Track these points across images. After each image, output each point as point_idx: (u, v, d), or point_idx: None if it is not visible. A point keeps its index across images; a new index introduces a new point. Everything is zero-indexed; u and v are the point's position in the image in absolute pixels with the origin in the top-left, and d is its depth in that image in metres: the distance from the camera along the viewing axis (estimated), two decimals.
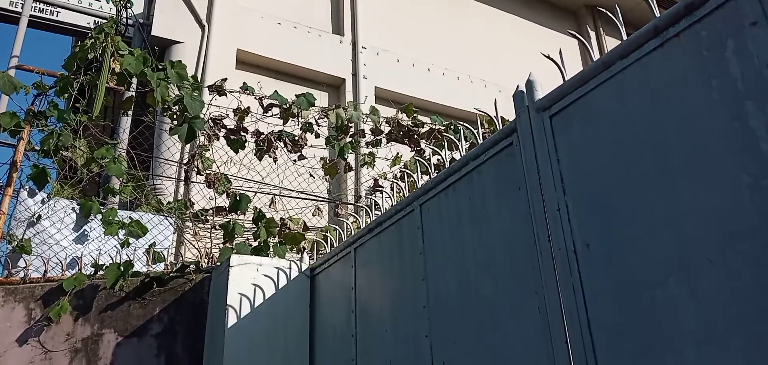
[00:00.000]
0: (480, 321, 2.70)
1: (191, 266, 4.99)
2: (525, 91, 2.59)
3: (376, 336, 3.62)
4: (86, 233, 5.40)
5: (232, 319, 4.23)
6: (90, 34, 5.79)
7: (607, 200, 2.11)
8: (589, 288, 2.14)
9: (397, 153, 6.99)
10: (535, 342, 2.34)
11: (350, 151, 6.54)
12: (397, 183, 3.96)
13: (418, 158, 3.96)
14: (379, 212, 3.89)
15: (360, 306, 3.88)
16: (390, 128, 6.92)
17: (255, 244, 5.56)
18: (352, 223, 4.65)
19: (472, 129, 3.19)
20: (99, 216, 5.36)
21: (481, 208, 2.81)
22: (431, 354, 3.00)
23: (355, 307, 3.91)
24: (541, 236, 2.38)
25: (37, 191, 5.26)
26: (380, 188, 6.40)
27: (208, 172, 6.01)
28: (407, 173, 4.18)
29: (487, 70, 10.94)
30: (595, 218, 2.15)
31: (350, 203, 7.64)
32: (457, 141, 3.28)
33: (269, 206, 6.48)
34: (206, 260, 5.66)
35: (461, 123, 3.68)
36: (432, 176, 3.28)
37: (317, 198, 7.19)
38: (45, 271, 4.82)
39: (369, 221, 3.97)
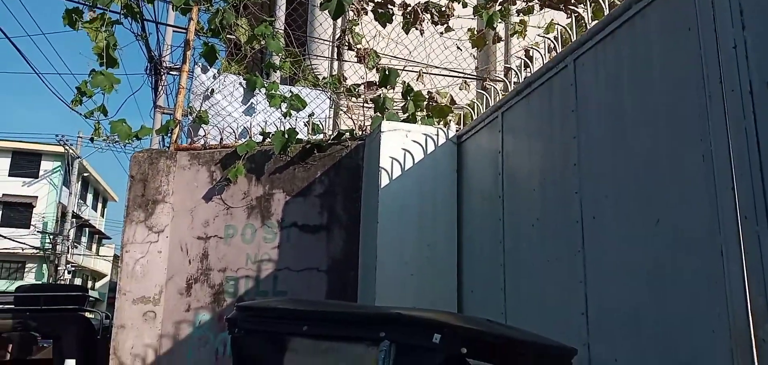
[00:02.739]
0: (635, 174, 2.61)
1: (347, 134, 5.31)
2: None
3: (523, 195, 3.66)
4: (253, 105, 5.93)
5: (384, 180, 4.49)
6: None
7: None
8: (764, 130, 1.96)
9: (551, 20, 6.63)
10: (697, 191, 2.23)
11: (500, 20, 6.32)
12: (548, 40, 3.80)
13: (574, 20, 3.74)
14: (528, 73, 3.79)
15: (507, 168, 3.91)
16: None
17: (403, 118, 5.73)
18: (499, 88, 4.60)
19: None
20: (263, 90, 5.83)
21: (643, 55, 2.63)
22: (581, 210, 2.98)
23: (502, 169, 3.95)
24: (712, 78, 2.19)
25: (208, 67, 5.84)
26: (531, 59, 6.17)
27: (358, 47, 6.20)
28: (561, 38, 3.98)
29: None
30: None
31: (499, 80, 7.50)
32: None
33: (417, 80, 6.58)
34: (360, 132, 5.98)
35: None
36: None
37: (464, 74, 7.15)
38: (221, 139, 5.42)
39: (517, 84, 3.90)
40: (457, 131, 4.80)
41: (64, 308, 5.78)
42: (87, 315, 5.96)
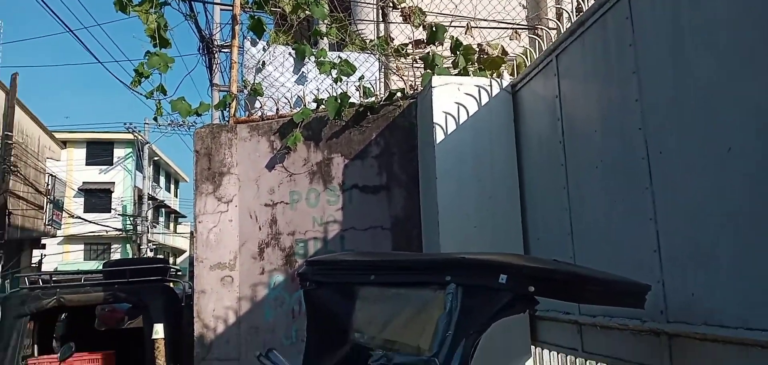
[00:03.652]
0: (701, 101, 2.54)
1: (398, 93, 5.36)
2: None
3: (584, 138, 3.61)
4: (304, 74, 6.05)
5: (439, 136, 4.52)
6: None
7: None
8: None
9: None
10: (765, 120, 2.15)
11: None
12: None
13: None
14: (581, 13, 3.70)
15: (566, 112, 3.86)
16: None
17: (455, 73, 5.70)
18: (553, 34, 4.50)
19: None
20: (312, 58, 5.94)
21: None
22: (646, 146, 2.93)
23: (561, 114, 3.90)
24: None
25: (257, 40, 5.99)
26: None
27: (402, 6, 6.19)
28: None
29: None
30: None
31: (551, 27, 7.29)
32: None
33: (465, 34, 6.51)
34: (411, 90, 6.00)
35: None
36: None
37: (514, 25, 7.00)
38: (277, 109, 5.59)
39: (570, 25, 3.82)
40: (510, 80, 4.75)
41: (149, 279, 6.19)
42: (170, 285, 6.36)
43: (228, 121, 5.56)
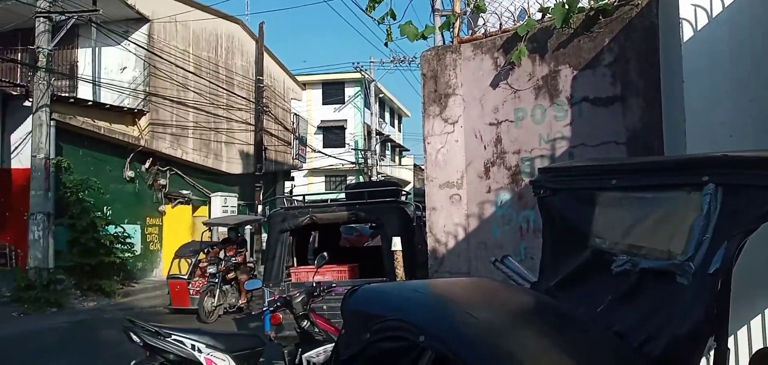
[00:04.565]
0: None
1: None
2: None
3: None
4: None
5: (687, 33, 3.97)
6: None
7: None
8: None
9: None
10: None
11: None
12: None
13: None
14: None
15: None
16: None
17: None
18: None
19: None
20: None
21: None
22: None
23: None
24: None
25: None
26: None
27: None
28: None
29: None
30: None
31: None
32: None
33: None
34: None
35: None
36: None
37: None
38: (500, 24, 5.44)
39: None
40: None
41: (384, 200, 6.72)
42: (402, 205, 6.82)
43: (452, 42, 5.61)
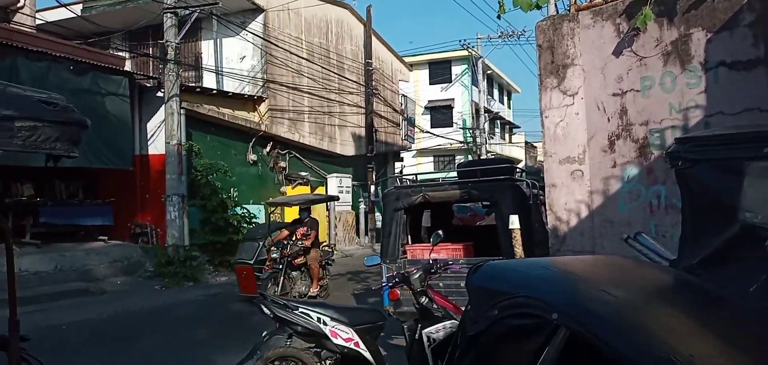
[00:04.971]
0: None
1: None
2: None
3: None
4: None
5: None
6: None
7: None
8: None
9: None
10: None
11: None
12: None
13: None
14: None
15: None
16: None
17: None
18: None
19: None
20: None
21: None
22: None
23: None
24: None
25: None
26: None
27: None
28: None
29: None
30: None
31: None
32: None
33: None
34: None
35: None
36: None
37: None
38: None
39: None
40: None
41: (498, 178, 6.60)
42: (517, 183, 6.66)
43: (568, 10, 5.36)
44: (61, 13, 15.19)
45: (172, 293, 11.48)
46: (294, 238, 10.05)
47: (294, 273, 9.78)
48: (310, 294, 9.67)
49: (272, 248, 9.83)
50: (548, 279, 2.02)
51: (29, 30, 13.41)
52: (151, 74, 15.48)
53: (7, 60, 10.85)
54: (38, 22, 15.50)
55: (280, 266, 9.52)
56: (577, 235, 4.87)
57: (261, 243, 10.33)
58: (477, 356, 2.00)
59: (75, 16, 15.24)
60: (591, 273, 2.10)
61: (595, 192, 4.86)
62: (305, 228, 10.23)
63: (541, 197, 6.26)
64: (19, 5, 15.06)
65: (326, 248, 11.39)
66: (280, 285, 9.37)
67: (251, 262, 10.11)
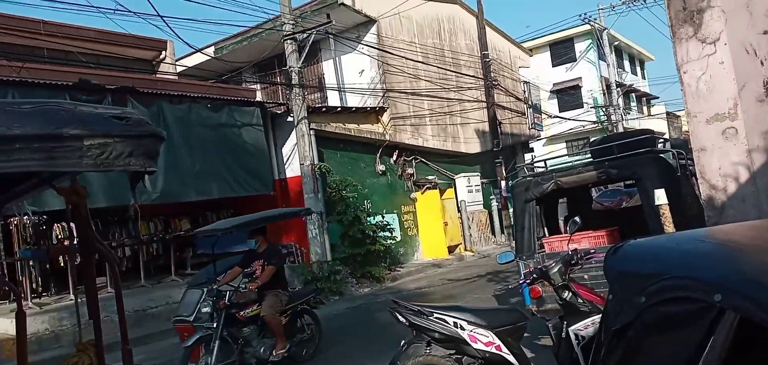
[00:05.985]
0: None
1: None
2: None
3: None
4: None
5: None
6: None
7: None
8: None
9: None
10: None
11: None
12: None
13: None
14: None
15: None
16: None
17: None
18: None
19: None
20: None
21: None
22: None
23: None
24: None
25: None
26: None
27: None
28: None
29: None
30: None
31: None
32: None
33: None
34: None
35: None
36: None
37: None
38: None
39: None
40: None
41: (638, 151, 6.02)
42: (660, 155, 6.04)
43: None
44: (198, 58, 16.67)
45: (321, 308, 11.95)
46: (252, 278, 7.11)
47: (245, 330, 6.88)
48: (272, 358, 6.86)
49: (206, 298, 6.93)
50: (705, 253, 1.72)
51: (172, 76, 14.82)
52: (280, 101, 16.38)
53: (154, 106, 12.05)
54: (180, 68, 17.13)
55: (214, 325, 6.59)
56: (737, 202, 4.24)
57: (205, 291, 7.09)
58: (624, 352, 1.74)
59: (208, 58, 16.62)
60: (761, 242, 1.76)
61: (754, 150, 4.21)
62: (262, 262, 7.19)
63: (691, 168, 5.59)
64: (161, 57, 16.75)
65: (295, 289, 8.50)
66: (214, 354, 6.43)
67: (191, 319, 7.06)
